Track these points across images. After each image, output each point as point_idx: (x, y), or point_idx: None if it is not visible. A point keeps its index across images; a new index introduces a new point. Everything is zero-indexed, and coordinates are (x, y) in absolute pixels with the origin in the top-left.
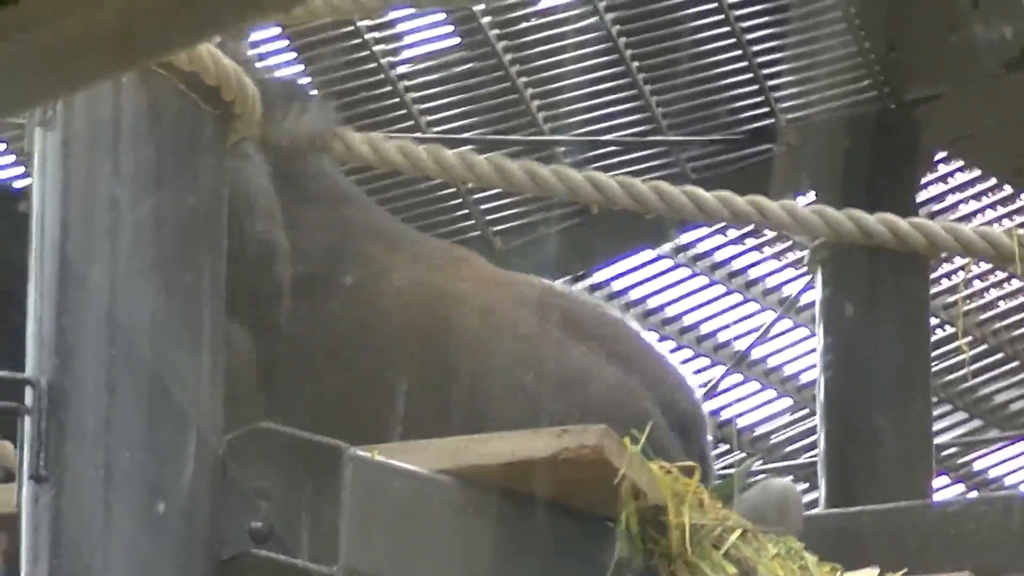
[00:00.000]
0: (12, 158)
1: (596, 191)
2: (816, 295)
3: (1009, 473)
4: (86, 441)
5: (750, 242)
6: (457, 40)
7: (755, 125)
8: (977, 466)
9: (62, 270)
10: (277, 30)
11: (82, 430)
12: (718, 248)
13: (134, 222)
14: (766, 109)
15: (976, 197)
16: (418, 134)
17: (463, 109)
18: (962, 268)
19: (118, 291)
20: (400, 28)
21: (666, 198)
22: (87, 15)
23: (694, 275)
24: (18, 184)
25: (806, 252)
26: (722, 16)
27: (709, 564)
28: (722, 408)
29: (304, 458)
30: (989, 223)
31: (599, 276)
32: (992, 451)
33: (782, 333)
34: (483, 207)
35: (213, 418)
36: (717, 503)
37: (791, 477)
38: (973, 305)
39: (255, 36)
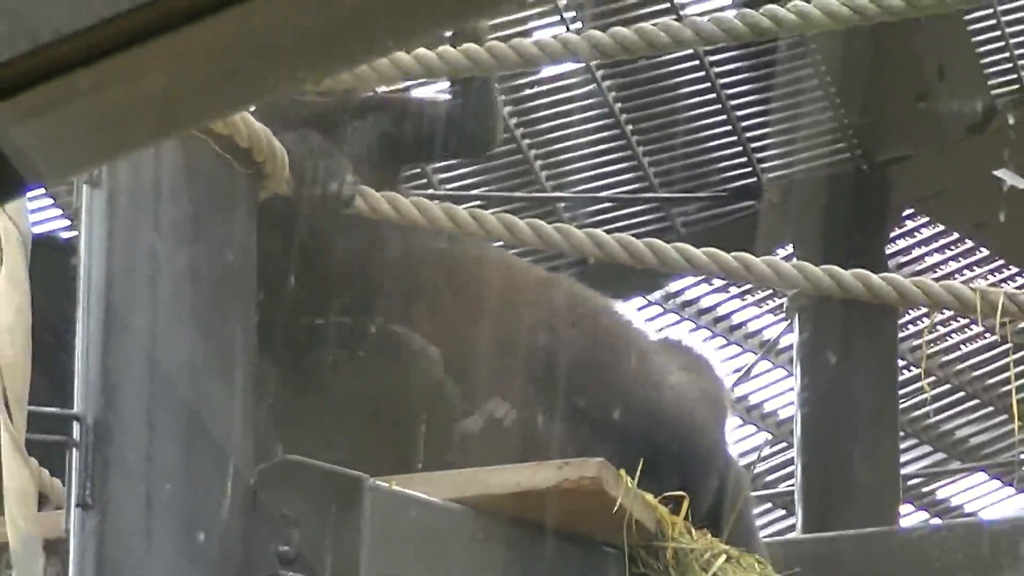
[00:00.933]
0: (60, 212)
1: (596, 247)
2: (794, 339)
3: (969, 501)
4: (128, 473)
5: (733, 290)
6: None
7: (740, 184)
8: (940, 495)
9: (107, 316)
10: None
11: (125, 462)
12: (704, 295)
13: (173, 273)
14: (750, 169)
15: (940, 250)
16: (431, 191)
17: (473, 168)
18: (927, 315)
19: (158, 336)
20: (413, 93)
21: (659, 254)
22: (135, 86)
23: (682, 320)
24: (66, 236)
25: (784, 299)
26: (709, 84)
27: None
28: None
29: (328, 488)
30: (952, 274)
31: None
32: (954, 481)
33: (762, 373)
34: None
35: (244, 452)
36: (703, 530)
37: (770, 504)
38: (936, 349)
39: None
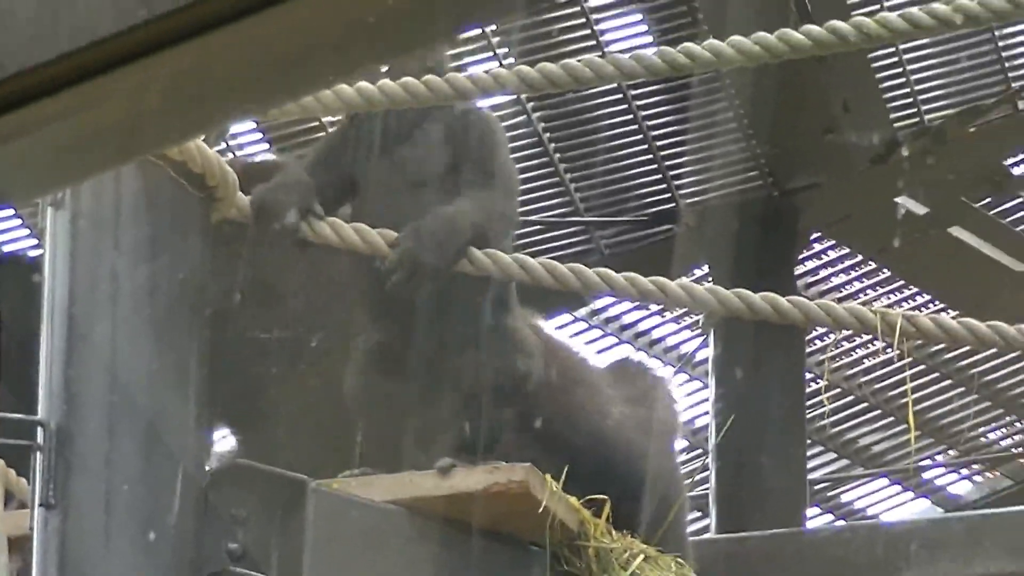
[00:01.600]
0: (28, 232)
1: (523, 271)
2: (709, 353)
3: (871, 505)
4: (89, 475)
5: (653, 307)
6: None
7: (659, 208)
8: (844, 499)
9: (69, 329)
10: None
11: (85, 465)
12: (626, 312)
13: (131, 289)
14: (668, 195)
15: (845, 271)
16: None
17: None
18: (832, 333)
19: (117, 348)
20: None
21: (582, 277)
22: (96, 115)
23: (606, 335)
24: (32, 254)
25: (701, 316)
26: (631, 116)
27: None
28: None
29: (274, 490)
30: (856, 293)
31: None
32: (857, 486)
33: (680, 385)
34: None
35: (197, 456)
36: (624, 531)
37: None
38: (841, 364)
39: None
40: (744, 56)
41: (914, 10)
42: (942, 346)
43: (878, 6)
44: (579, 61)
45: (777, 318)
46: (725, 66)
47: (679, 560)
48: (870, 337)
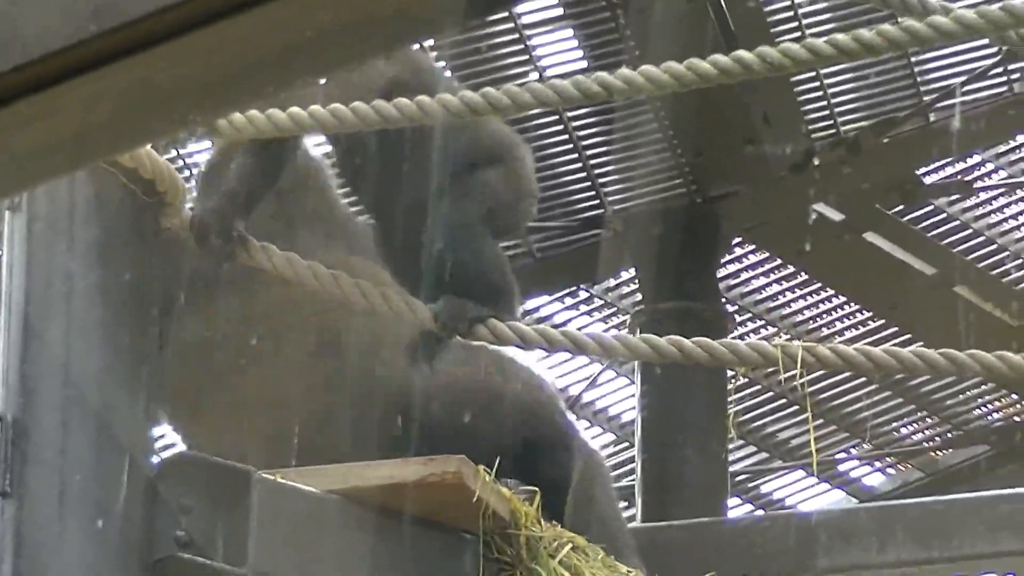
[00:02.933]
0: None
1: None
2: None
3: (789, 496)
4: (43, 465)
5: (582, 307)
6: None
7: (588, 214)
8: (764, 490)
9: (25, 327)
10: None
11: (40, 456)
12: (556, 313)
13: (84, 290)
14: (597, 201)
15: (765, 275)
16: None
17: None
18: (752, 331)
19: (70, 345)
20: None
21: (498, 335)
22: (49, 125)
23: None
24: None
25: (628, 315)
26: (562, 126)
27: (546, 570)
28: None
29: (219, 480)
30: (775, 295)
31: None
32: (775, 478)
33: (608, 381)
34: None
35: (146, 448)
36: (553, 521)
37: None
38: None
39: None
40: (677, 81)
41: (839, 36)
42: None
43: (797, 24)
44: (519, 86)
45: (683, 359)
46: (659, 91)
47: (605, 550)
48: (789, 336)
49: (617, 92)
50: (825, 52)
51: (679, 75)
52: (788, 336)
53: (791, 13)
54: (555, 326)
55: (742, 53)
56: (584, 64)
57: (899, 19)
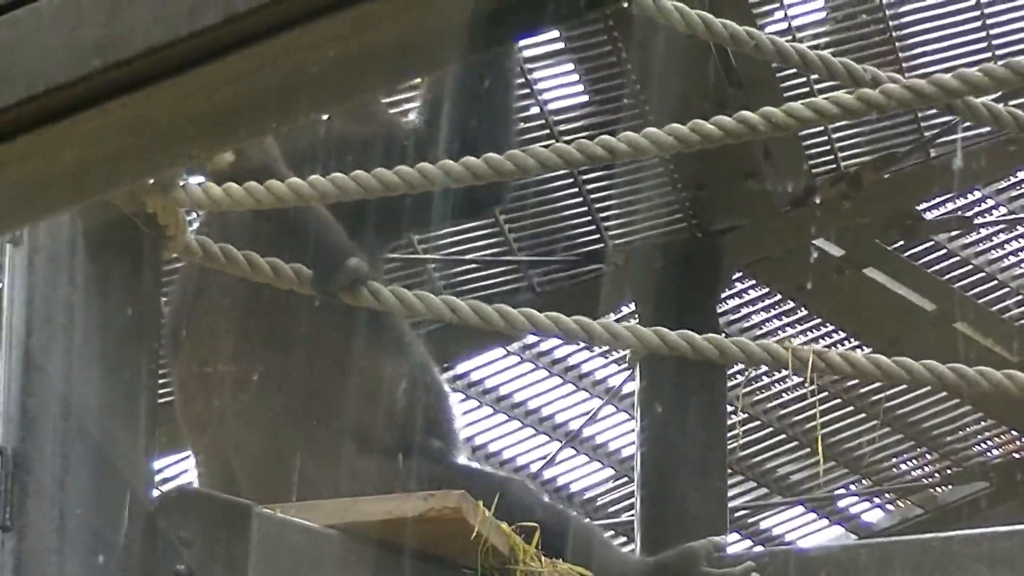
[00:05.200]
0: None
1: (451, 312)
2: (635, 386)
3: (788, 531)
4: (43, 498)
5: (582, 342)
6: None
7: (589, 248)
8: (763, 525)
9: (26, 359)
10: None
11: (40, 489)
12: (556, 347)
13: (85, 323)
14: (597, 236)
15: (766, 309)
16: None
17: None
18: (748, 368)
19: (72, 378)
20: None
21: (507, 318)
22: (50, 160)
23: (536, 368)
24: None
25: (627, 352)
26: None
27: None
28: (557, 477)
29: (220, 513)
30: (776, 330)
31: (461, 368)
32: (775, 513)
33: (607, 416)
34: None
35: (147, 480)
36: (553, 557)
37: (612, 533)
38: (760, 397)
39: None
40: (681, 143)
41: (841, 94)
42: (856, 381)
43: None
44: (524, 152)
45: (693, 354)
46: (664, 152)
47: None
48: (786, 373)
49: (621, 155)
50: (829, 112)
51: (683, 137)
52: (786, 373)
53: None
54: (555, 360)
55: (747, 114)
56: (586, 98)
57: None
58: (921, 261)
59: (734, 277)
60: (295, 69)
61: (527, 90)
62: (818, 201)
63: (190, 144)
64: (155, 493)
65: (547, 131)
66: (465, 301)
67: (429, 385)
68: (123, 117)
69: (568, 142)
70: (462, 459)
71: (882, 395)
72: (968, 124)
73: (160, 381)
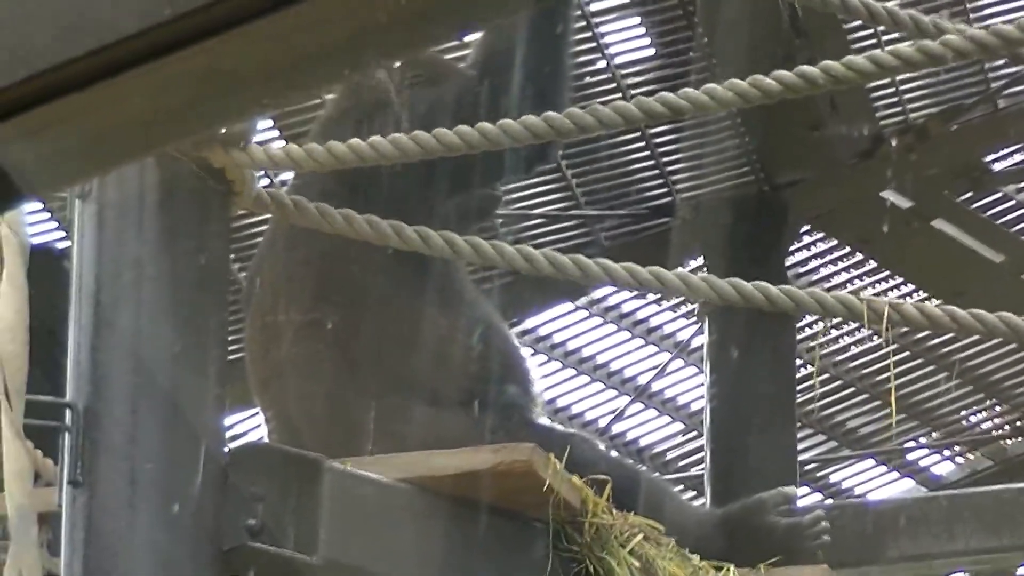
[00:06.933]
0: (57, 225)
1: (526, 262)
2: (704, 340)
3: (858, 484)
4: (114, 454)
5: (650, 296)
6: None
7: (656, 202)
8: (833, 479)
9: (96, 315)
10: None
11: (111, 444)
12: (624, 301)
13: (155, 277)
14: (665, 189)
15: (834, 262)
16: None
17: None
18: (821, 320)
19: (141, 332)
20: None
21: (583, 268)
22: (120, 110)
23: (605, 323)
24: (61, 245)
25: (696, 305)
26: None
27: (616, 560)
28: (627, 431)
29: (291, 468)
30: (844, 284)
31: (529, 323)
32: (844, 467)
33: (676, 370)
34: None
35: (218, 435)
36: (624, 510)
37: (682, 487)
38: (830, 350)
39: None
40: (741, 99)
41: (902, 47)
42: (926, 334)
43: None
44: (584, 110)
45: (768, 305)
46: (723, 108)
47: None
48: (857, 325)
49: (682, 112)
50: (890, 64)
51: (743, 92)
52: (857, 325)
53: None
54: (624, 315)
55: (807, 69)
56: (652, 51)
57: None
58: (989, 212)
59: (802, 230)
60: (366, 16)
61: (594, 43)
62: (885, 153)
63: (260, 93)
64: (227, 448)
65: (614, 85)
66: (540, 251)
67: (498, 337)
68: (193, 66)
69: (635, 96)
70: (537, 413)
71: (951, 347)
72: None
73: (231, 337)
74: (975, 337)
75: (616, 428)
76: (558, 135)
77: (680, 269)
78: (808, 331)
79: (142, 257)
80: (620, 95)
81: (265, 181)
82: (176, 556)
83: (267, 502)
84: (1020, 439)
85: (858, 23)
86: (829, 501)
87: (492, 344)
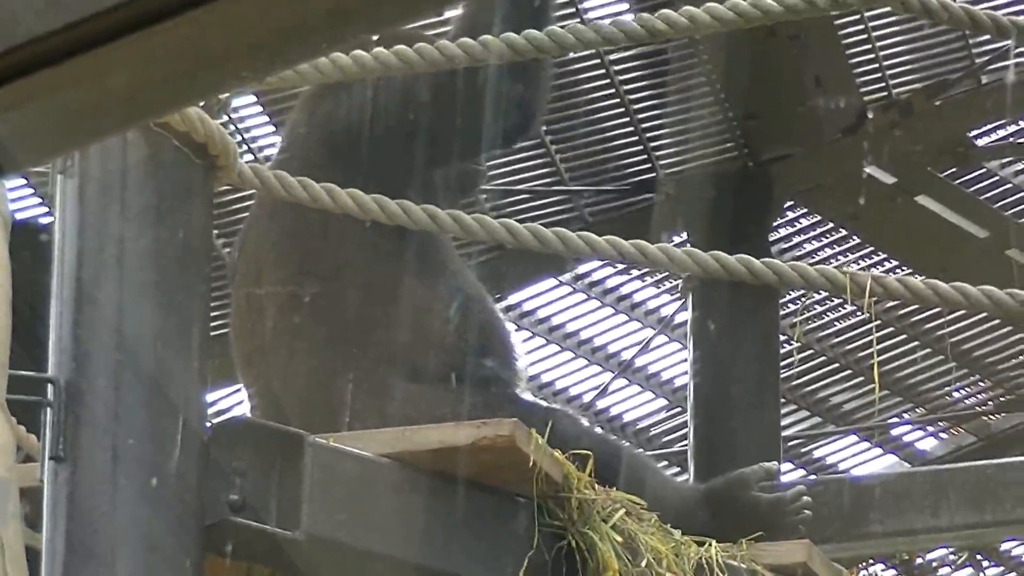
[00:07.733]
0: (39, 200)
1: (510, 235)
2: (687, 316)
3: (841, 460)
4: (96, 429)
5: (634, 272)
6: None
7: (639, 178)
8: (816, 454)
9: (78, 291)
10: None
11: (93, 420)
12: (608, 277)
13: (136, 252)
14: (648, 165)
15: (818, 238)
16: None
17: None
18: (805, 296)
19: (123, 308)
20: None
21: (566, 241)
22: (100, 83)
23: (589, 299)
24: (43, 221)
25: (679, 280)
26: (613, 90)
27: (599, 535)
28: (610, 407)
29: (273, 443)
30: (828, 259)
31: (512, 299)
32: (828, 443)
33: (659, 346)
34: None
35: (200, 411)
36: (607, 485)
37: (666, 462)
38: (813, 325)
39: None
40: (718, 22)
41: None
42: (910, 309)
43: None
44: (561, 27)
45: (752, 279)
46: (701, 32)
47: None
48: (841, 300)
49: (659, 33)
50: None
51: (720, 16)
52: (840, 300)
53: None
54: (607, 291)
55: None
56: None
57: None
58: (973, 188)
59: (786, 206)
60: None
61: (572, 8)
62: (870, 129)
63: (241, 66)
64: (209, 423)
65: (603, 69)
66: (524, 225)
67: (484, 311)
68: (173, 39)
69: (623, 80)
70: (520, 388)
71: (935, 323)
72: (1021, 50)
73: (213, 313)
74: (959, 313)
75: (600, 404)
76: (539, 52)
77: (663, 243)
78: (792, 307)
79: (124, 232)
80: (604, 69)
81: (249, 156)
82: (158, 531)
83: (249, 477)
84: (1004, 415)
85: None
86: (812, 477)
87: (475, 318)
